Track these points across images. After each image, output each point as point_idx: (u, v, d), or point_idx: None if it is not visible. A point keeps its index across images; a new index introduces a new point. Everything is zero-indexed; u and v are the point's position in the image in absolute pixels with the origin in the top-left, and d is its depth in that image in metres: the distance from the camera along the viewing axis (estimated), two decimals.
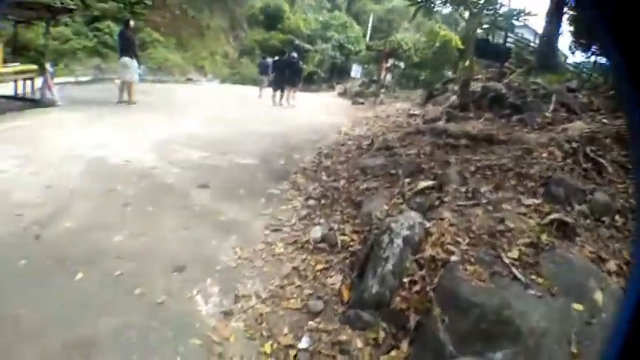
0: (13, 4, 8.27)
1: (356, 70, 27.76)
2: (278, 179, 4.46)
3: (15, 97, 8.45)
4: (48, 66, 8.34)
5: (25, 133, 5.79)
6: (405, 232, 2.56)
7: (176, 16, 37.28)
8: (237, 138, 6.42)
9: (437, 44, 11.94)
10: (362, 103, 16.61)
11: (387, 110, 12.50)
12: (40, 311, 2.10)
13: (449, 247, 2.55)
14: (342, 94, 22.09)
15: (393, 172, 4.32)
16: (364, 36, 28.97)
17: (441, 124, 6.05)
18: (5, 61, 8.65)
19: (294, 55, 12.72)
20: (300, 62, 12.71)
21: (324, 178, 4.60)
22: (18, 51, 24.34)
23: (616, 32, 0.40)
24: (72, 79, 25.90)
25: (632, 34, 0.38)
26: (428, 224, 2.77)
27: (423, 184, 3.72)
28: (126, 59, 8.89)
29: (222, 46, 41.06)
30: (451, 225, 2.79)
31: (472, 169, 3.90)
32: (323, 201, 3.91)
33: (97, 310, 2.15)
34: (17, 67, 8.40)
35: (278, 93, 11.76)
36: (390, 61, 19.45)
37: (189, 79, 33.62)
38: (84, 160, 4.52)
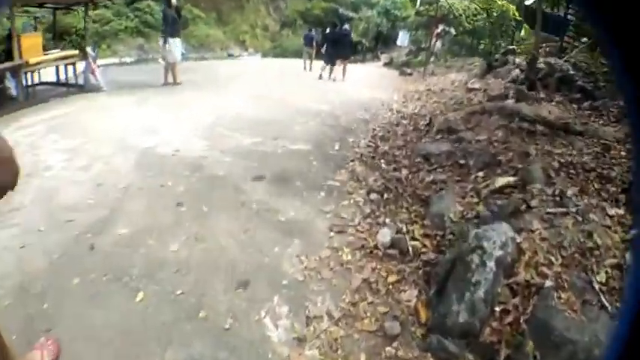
0: None
1: (402, 38, 26.00)
2: (335, 168, 4.13)
3: (58, 83, 8.57)
4: (89, 50, 8.30)
5: (71, 121, 5.79)
6: (498, 253, 2.19)
7: None
8: (286, 118, 6.13)
9: (494, 13, 10.81)
10: (410, 74, 15.39)
11: (441, 83, 11.66)
12: (97, 342, 1.94)
13: (543, 268, 2.21)
14: (388, 64, 20.99)
15: (462, 162, 3.86)
16: (413, 1, 27.34)
17: (509, 103, 5.42)
18: (46, 48, 8.74)
19: (346, 27, 12.37)
20: (351, 34, 12.33)
21: (384, 166, 4.22)
22: (59, 36, 25.10)
23: (615, 31, 0.38)
24: (116, 60, 26.50)
25: (632, 32, 0.37)
26: (519, 238, 2.37)
27: (501, 180, 3.25)
28: (168, 40, 8.72)
29: (263, 19, 40.48)
30: (543, 239, 2.40)
31: (556, 165, 3.38)
32: (386, 195, 3.55)
33: (161, 340, 1.96)
34: (58, 53, 8.43)
35: (328, 66, 11.43)
36: (441, 27, 17.84)
37: (231, 55, 33.67)
38: (133, 151, 4.41)
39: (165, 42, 8.72)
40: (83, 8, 9.32)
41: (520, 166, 3.46)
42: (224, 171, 3.84)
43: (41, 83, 8.76)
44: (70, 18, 25.03)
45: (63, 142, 4.85)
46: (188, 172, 3.83)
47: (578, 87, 5.91)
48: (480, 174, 3.51)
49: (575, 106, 5.38)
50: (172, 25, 8.75)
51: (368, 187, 3.72)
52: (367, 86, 11.36)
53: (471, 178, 3.50)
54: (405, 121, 6.53)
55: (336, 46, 11.39)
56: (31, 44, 7.28)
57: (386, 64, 21.17)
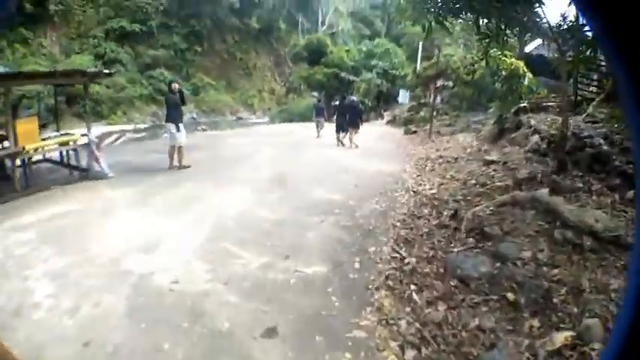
0: (47, 73, 8.17)
1: (403, 96, 26.98)
2: (358, 305, 3.49)
3: (62, 163, 8.42)
4: (92, 136, 8.04)
5: (67, 227, 5.39)
6: None
7: (225, 60, 38.75)
8: (297, 219, 5.61)
9: (503, 72, 10.59)
10: (414, 132, 15.71)
11: (451, 147, 11.27)
12: None
13: None
14: (392, 122, 21.16)
15: (510, 296, 3.23)
16: (410, 59, 28.07)
17: (544, 194, 4.84)
18: (44, 126, 8.60)
19: (354, 98, 13.32)
20: (360, 105, 13.19)
21: (415, 296, 3.58)
22: (72, 100, 25.86)
23: (616, 35, 0.40)
24: (130, 126, 27.29)
25: (632, 37, 0.38)
26: None
27: (559, 338, 2.62)
28: (171, 126, 8.58)
29: (269, 84, 41.89)
30: None
31: (614, 309, 2.77)
32: (424, 350, 2.90)
33: None
34: (57, 138, 8.23)
35: (340, 134, 12.27)
36: (439, 82, 18.42)
37: (240, 118, 34.52)
38: (127, 283, 3.89)
39: (169, 127, 8.61)
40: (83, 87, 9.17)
41: (576, 310, 2.83)
42: (229, 321, 3.23)
43: (45, 160, 8.71)
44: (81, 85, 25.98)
45: (54, 261, 4.40)
46: (187, 322, 3.24)
47: (615, 169, 5.34)
48: (535, 322, 2.87)
49: (617, 196, 4.78)
50: (175, 110, 8.64)
51: (401, 336, 3.07)
52: (376, 155, 11.03)
53: (525, 328, 2.85)
54: (426, 210, 5.97)
55: (346, 116, 12.18)
56: (27, 130, 7.07)
57: (389, 122, 21.36)
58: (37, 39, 26.59)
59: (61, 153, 8.36)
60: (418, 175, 8.58)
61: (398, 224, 5.54)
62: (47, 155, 8.46)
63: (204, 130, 24.53)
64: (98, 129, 26.31)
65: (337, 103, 14.10)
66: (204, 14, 34.81)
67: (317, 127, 14.91)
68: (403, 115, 21.20)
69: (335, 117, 12.76)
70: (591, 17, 0.43)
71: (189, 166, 8.85)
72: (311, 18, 43.44)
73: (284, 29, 41.53)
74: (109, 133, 23.28)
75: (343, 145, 12.48)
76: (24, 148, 6.84)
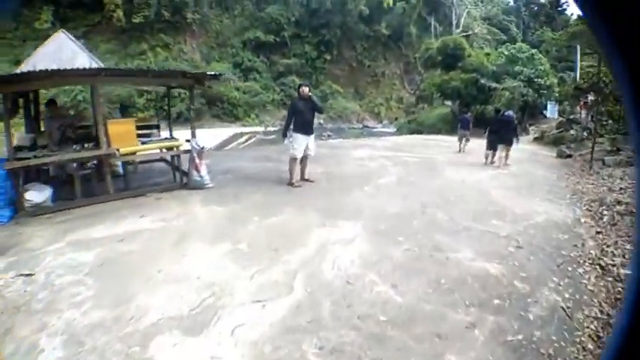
0: (143, 71, 7.76)
1: (552, 110, 23.36)
2: None
3: (172, 167, 7.67)
4: (193, 143, 6.95)
5: (131, 252, 4.36)
6: None
7: (353, 67, 37.91)
8: (430, 316, 3.06)
9: None
10: (569, 156, 12.69)
11: (629, 188, 7.55)
12: None
13: None
14: (539, 139, 17.52)
15: None
16: (554, 67, 23.63)
17: None
18: (145, 128, 8.01)
19: (509, 113, 11.37)
20: (515, 120, 11.24)
21: None
22: (212, 103, 27.61)
23: (617, 36, 0.41)
24: (261, 128, 28.18)
25: (633, 37, 0.39)
26: None
27: None
28: (298, 136, 7.02)
29: (397, 92, 39.63)
30: None
31: None
32: None
33: None
34: (158, 143, 7.51)
35: (490, 152, 10.83)
36: (590, 97, 15.65)
37: (366, 126, 33.24)
38: None
39: (295, 137, 7.06)
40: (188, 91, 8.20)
41: None
42: None
43: (150, 161, 8.23)
44: (221, 87, 27.77)
45: (84, 310, 3.11)
46: None
47: None
48: None
49: None
50: (304, 117, 7.02)
51: None
52: (534, 186, 8.00)
53: None
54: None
55: (499, 132, 10.57)
56: (121, 131, 6.35)
57: (536, 139, 17.83)
58: (178, 45, 29.27)
59: (170, 157, 7.66)
60: (598, 232, 5.45)
61: (590, 345, 2.93)
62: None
63: (329, 136, 23.63)
64: (231, 129, 27.98)
65: (491, 118, 12.60)
66: (334, 24, 34.88)
67: (460, 140, 13.31)
68: (552, 132, 17.75)
69: (486, 133, 11.20)
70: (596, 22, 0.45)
71: (312, 181, 7.49)
72: (443, 21, 40.21)
73: (414, 34, 39.14)
74: (241, 134, 24.25)
75: (492, 163, 10.70)
76: (118, 150, 6.11)
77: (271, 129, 28.48)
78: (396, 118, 35.49)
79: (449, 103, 24.96)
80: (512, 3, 47.96)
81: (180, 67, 23.57)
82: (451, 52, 23.80)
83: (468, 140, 13.23)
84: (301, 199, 6.40)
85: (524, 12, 44.45)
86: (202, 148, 7.05)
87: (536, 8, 44.49)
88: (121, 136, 6.08)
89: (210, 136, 18.74)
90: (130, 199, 6.32)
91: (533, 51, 22.68)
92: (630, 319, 0.43)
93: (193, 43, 30.34)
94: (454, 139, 14.05)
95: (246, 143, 22.91)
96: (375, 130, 31.79)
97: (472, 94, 21.74)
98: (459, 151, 13.10)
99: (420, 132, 22.96)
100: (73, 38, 9.16)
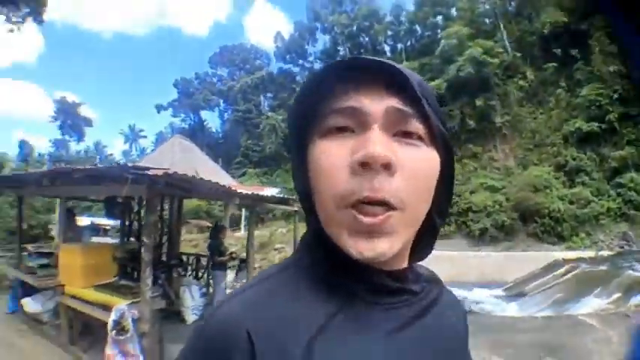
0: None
1: None
2: None
3: None
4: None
5: None
6: None
7: None
8: None
9: None
10: None
11: None
12: None
13: None
14: None
15: None
16: None
17: None
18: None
19: None
20: None
21: None
22: (528, 219, 20.27)
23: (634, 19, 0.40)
24: (591, 253, 17.60)
25: None
26: None
27: None
28: None
29: None
30: None
31: None
32: None
33: None
34: None
35: None
36: None
37: None
38: None
39: None
40: None
41: None
42: None
43: None
44: (541, 197, 20.63)
45: None
46: None
47: None
48: None
49: None
50: None
51: None
52: None
53: None
54: None
55: None
56: None
57: None
58: (487, 153, 25.49)
59: None
60: None
61: None
62: None
63: None
64: (550, 254, 19.13)
65: None
66: None
67: None
68: None
69: None
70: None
71: None
72: None
73: None
74: (562, 262, 15.69)
75: None
76: None
77: (605, 253, 18.02)
78: None
79: None
80: None
81: (489, 177, 19.74)
82: None
83: None
84: None
85: None
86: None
87: None
88: None
89: (518, 262, 14.66)
90: None
91: None
92: None
93: (506, 149, 26.27)
94: None
95: (563, 279, 13.91)
96: None
97: None
98: None
99: None
100: None
